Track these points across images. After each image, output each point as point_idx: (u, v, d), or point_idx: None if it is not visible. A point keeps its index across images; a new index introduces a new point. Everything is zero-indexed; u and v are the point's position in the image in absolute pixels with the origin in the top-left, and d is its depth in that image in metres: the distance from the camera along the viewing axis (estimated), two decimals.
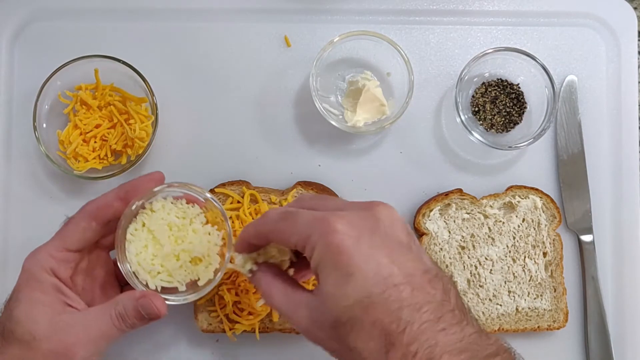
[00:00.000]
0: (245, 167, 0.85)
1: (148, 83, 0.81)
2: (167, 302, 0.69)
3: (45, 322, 0.64)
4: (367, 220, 0.56)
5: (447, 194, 0.84)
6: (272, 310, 0.80)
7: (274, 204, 0.81)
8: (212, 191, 0.82)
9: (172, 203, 0.71)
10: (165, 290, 0.70)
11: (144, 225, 0.70)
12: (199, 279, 0.70)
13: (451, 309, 0.54)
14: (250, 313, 0.79)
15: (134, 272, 0.69)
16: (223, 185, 0.83)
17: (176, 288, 0.70)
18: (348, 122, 0.83)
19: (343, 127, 0.83)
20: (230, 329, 0.80)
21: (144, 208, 0.70)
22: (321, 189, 0.82)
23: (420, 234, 0.83)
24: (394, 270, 0.53)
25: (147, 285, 0.69)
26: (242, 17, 0.87)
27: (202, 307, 0.81)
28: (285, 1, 0.88)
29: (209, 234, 0.72)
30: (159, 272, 0.70)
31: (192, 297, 0.70)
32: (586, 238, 0.86)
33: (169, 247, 0.69)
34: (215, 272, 0.71)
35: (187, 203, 0.72)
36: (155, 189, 0.69)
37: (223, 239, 0.72)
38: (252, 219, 0.81)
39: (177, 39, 0.87)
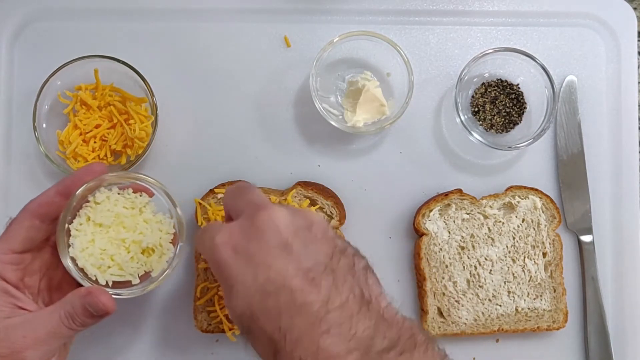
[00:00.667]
0: (245, 167, 0.85)
1: (148, 83, 0.81)
2: (120, 296, 0.67)
3: None
4: (245, 230, 0.56)
5: (446, 194, 0.84)
6: None
7: None
8: (212, 191, 0.82)
9: (118, 194, 0.70)
10: (118, 284, 0.69)
11: (88, 219, 0.68)
12: (152, 270, 0.69)
13: (340, 305, 0.51)
14: None
15: (81, 269, 0.67)
16: (223, 185, 0.83)
17: (130, 281, 0.69)
18: (348, 123, 0.83)
19: (343, 128, 0.83)
20: (230, 329, 0.80)
21: (87, 201, 0.69)
22: (321, 189, 0.82)
23: (420, 234, 0.83)
24: (271, 275, 0.52)
25: (96, 281, 0.67)
26: (242, 17, 0.87)
27: (202, 307, 0.81)
28: (285, 1, 0.88)
29: (161, 222, 0.71)
30: (109, 267, 0.68)
31: (146, 289, 0.69)
32: (586, 238, 0.86)
33: (124, 234, 0.68)
34: (170, 261, 0.70)
35: (135, 192, 0.71)
36: (96, 181, 0.68)
37: (174, 227, 0.71)
38: None
39: (177, 39, 0.87)
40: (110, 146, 0.81)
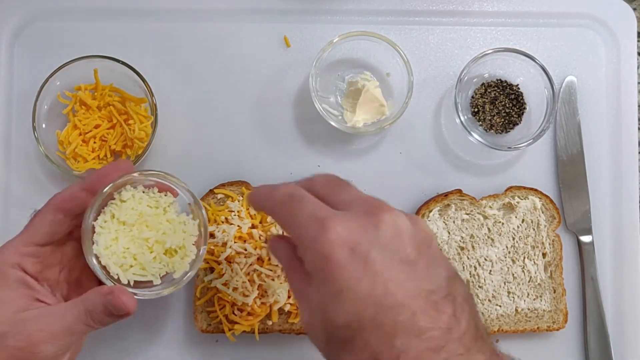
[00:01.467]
0: (245, 168, 0.85)
1: (147, 83, 0.81)
2: (141, 297, 0.67)
3: (10, 318, 0.62)
4: (367, 229, 0.49)
5: (446, 195, 0.84)
6: (272, 312, 0.80)
7: None
8: (211, 192, 0.82)
9: (143, 192, 0.69)
10: (139, 284, 0.68)
11: (113, 216, 0.68)
12: (174, 271, 0.68)
13: (459, 336, 0.48)
14: (249, 314, 0.79)
15: (104, 266, 0.67)
16: (222, 185, 0.83)
17: (151, 282, 0.68)
18: (347, 123, 0.83)
19: (342, 128, 0.83)
20: (229, 330, 0.80)
21: (113, 199, 0.68)
22: None
23: None
24: (391, 289, 0.47)
25: (118, 280, 0.67)
26: (241, 18, 0.87)
27: (202, 307, 0.81)
28: (285, 1, 0.88)
29: (184, 223, 0.70)
30: (131, 266, 0.67)
31: (167, 291, 0.68)
32: (585, 239, 0.86)
33: (147, 233, 0.67)
34: (192, 264, 0.69)
35: (160, 192, 0.70)
36: (123, 178, 0.67)
37: (198, 229, 0.70)
38: (252, 219, 0.81)
39: (176, 39, 0.87)
40: (109, 146, 0.81)
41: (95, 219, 0.67)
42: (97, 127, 0.81)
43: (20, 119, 0.84)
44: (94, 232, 0.67)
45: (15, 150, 0.85)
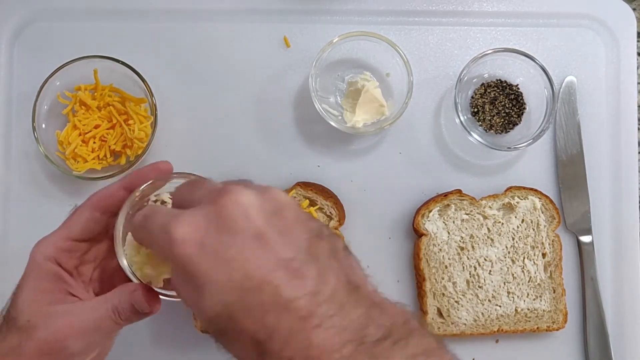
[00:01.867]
0: (245, 168, 0.85)
1: (147, 84, 0.81)
2: (166, 297, 0.65)
3: (43, 311, 0.62)
4: (211, 220, 0.48)
5: (446, 195, 0.84)
6: None
7: None
8: None
9: None
10: (167, 286, 0.66)
11: None
12: None
13: (328, 296, 0.46)
14: None
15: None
16: None
17: None
18: (347, 123, 0.83)
19: (342, 128, 0.83)
20: None
21: (148, 200, 0.67)
22: (320, 190, 0.82)
23: (419, 234, 0.83)
24: (249, 271, 0.46)
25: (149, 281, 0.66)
26: (241, 18, 0.87)
27: None
28: (285, 2, 0.88)
29: None
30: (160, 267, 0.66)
31: None
32: (585, 239, 0.86)
33: None
34: None
35: None
36: (160, 180, 0.66)
37: None
38: None
39: (176, 39, 0.87)
40: (109, 146, 0.81)
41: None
42: (96, 127, 0.81)
43: (20, 119, 0.84)
44: (127, 232, 0.66)
45: (15, 151, 0.85)
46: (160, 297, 0.64)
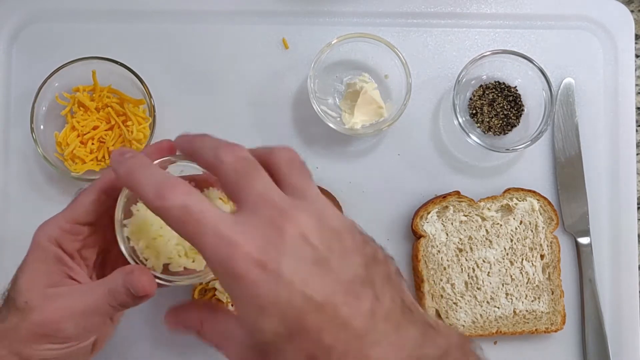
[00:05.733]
0: None
1: (146, 85, 0.81)
2: (163, 282, 0.63)
3: (40, 292, 0.61)
4: (272, 240, 0.48)
5: (444, 197, 0.84)
6: None
7: None
8: None
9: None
10: (171, 273, 0.65)
11: None
12: (194, 261, 0.66)
13: (384, 316, 0.48)
14: None
15: (133, 249, 0.64)
16: None
17: (179, 272, 0.66)
18: (346, 125, 0.83)
19: (341, 130, 0.83)
20: None
21: None
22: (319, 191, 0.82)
23: (417, 236, 0.83)
24: (308, 293, 0.47)
25: (152, 267, 0.65)
26: (240, 20, 0.87)
27: None
28: (283, 3, 0.88)
29: None
30: (158, 252, 0.65)
31: (188, 281, 0.65)
32: (583, 240, 0.86)
33: None
34: None
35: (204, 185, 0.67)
36: (161, 161, 0.64)
37: None
38: None
39: (175, 41, 0.87)
40: (108, 148, 0.81)
41: (134, 203, 0.65)
42: (95, 128, 0.81)
43: (18, 120, 0.84)
44: (130, 215, 0.65)
45: (13, 152, 0.85)
46: (157, 281, 0.62)
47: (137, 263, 0.64)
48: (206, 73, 0.86)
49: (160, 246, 0.65)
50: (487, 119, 0.85)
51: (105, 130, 0.81)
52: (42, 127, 0.82)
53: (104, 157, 0.81)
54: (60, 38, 0.86)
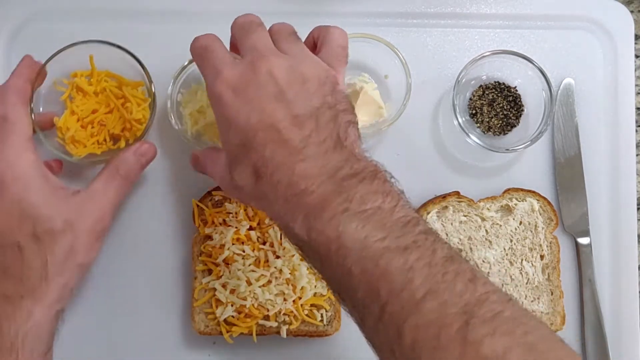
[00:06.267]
0: None
1: (144, 66, 0.80)
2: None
3: (63, 208, 0.72)
4: (246, 76, 0.63)
5: (444, 197, 0.84)
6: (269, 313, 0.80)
7: None
8: (209, 193, 0.82)
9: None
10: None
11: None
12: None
13: (318, 142, 0.60)
14: (247, 316, 0.79)
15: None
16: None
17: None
18: None
19: None
20: (227, 332, 0.79)
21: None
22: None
23: None
24: (263, 117, 0.60)
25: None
26: None
27: (199, 309, 0.80)
28: (283, 4, 0.88)
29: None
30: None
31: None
32: (583, 241, 0.86)
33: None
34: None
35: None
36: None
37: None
38: (250, 221, 0.80)
39: (175, 41, 0.86)
40: (108, 130, 0.81)
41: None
42: (94, 112, 0.81)
43: None
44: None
45: None
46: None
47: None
48: None
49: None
50: (487, 119, 0.85)
51: (105, 113, 0.81)
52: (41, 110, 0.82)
53: (105, 140, 0.81)
54: (60, 38, 0.85)
